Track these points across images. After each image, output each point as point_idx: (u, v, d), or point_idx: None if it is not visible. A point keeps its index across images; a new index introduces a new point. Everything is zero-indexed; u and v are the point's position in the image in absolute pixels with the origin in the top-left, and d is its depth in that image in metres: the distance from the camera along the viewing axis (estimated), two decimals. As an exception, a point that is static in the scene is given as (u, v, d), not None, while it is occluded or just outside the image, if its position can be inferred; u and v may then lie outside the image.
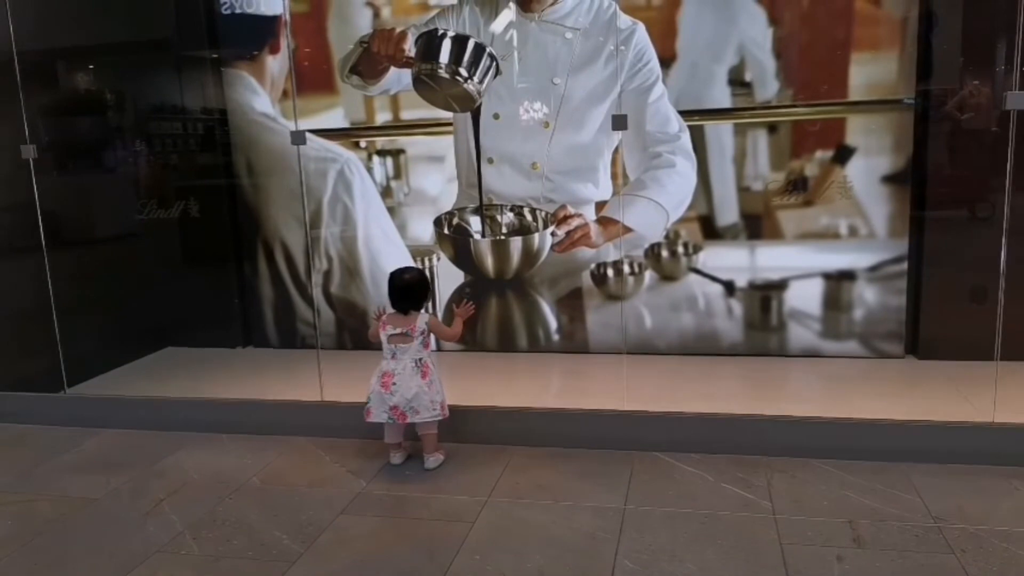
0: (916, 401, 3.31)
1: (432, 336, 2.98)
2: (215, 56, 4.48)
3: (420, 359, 2.93)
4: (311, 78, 4.37)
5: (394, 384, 2.91)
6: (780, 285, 4.02)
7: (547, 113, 4.06)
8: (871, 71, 3.76)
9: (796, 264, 3.97)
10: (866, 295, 3.93)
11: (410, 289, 2.94)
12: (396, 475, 2.93)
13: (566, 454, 3.04)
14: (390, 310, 3.02)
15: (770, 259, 4.01)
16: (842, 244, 3.90)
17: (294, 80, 4.29)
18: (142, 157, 4.69)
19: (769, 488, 2.68)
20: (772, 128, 3.94)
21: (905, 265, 3.84)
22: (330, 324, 4.57)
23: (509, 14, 3.99)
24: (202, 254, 4.75)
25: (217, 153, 4.59)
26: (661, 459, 2.95)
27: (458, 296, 4.34)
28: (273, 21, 4.34)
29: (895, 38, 3.72)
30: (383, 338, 2.95)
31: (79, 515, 2.73)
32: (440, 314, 4.36)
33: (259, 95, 4.45)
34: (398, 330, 2.94)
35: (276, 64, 4.39)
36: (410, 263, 4.36)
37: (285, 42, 4.33)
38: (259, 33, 4.36)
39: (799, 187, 3.90)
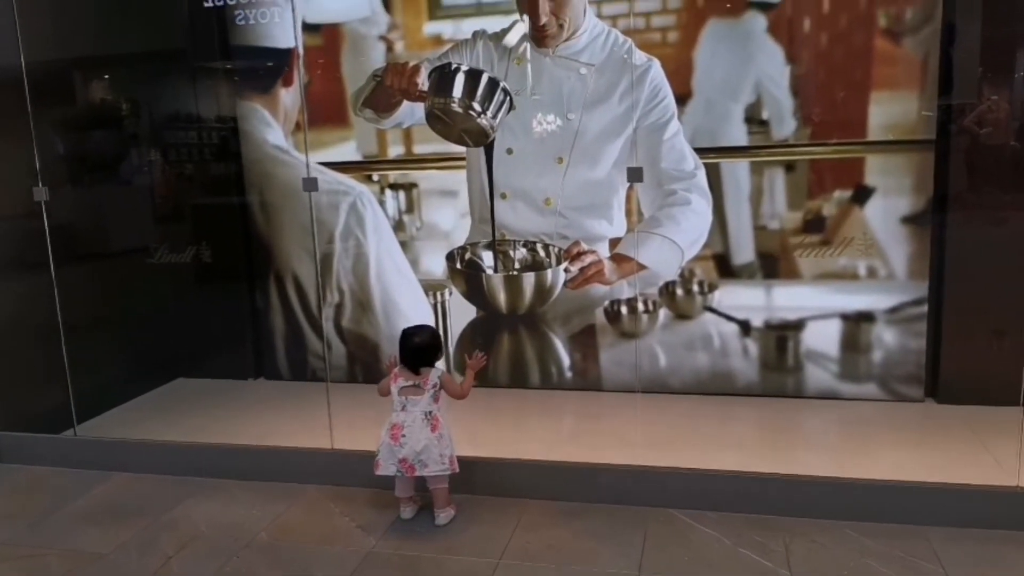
0: (937, 453, 3.24)
1: (443, 390, 2.94)
2: (230, 88, 4.47)
3: (430, 412, 2.90)
4: (324, 111, 4.35)
5: (403, 436, 2.88)
6: (797, 325, 3.95)
7: (561, 148, 4.01)
8: (890, 110, 3.70)
9: (813, 304, 3.91)
10: (885, 337, 3.86)
11: (422, 352, 2.91)
12: (407, 531, 2.90)
13: (579, 510, 3.00)
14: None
15: (787, 299, 3.95)
16: (861, 285, 3.84)
17: (306, 114, 4.26)
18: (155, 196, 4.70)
19: (787, 554, 2.63)
20: (789, 167, 3.88)
21: (925, 308, 3.77)
22: (341, 357, 4.54)
23: (522, 27, 3.94)
24: (215, 285, 4.74)
25: (231, 185, 4.57)
26: (677, 517, 2.90)
27: (470, 343, 4.29)
28: (287, 54, 4.32)
29: (915, 78, 3.65)
30: (393, 391, 2.92)
31: (88, 571, 2.72)
32: (451, 351, 4.33)
33: (272, 128, 4.43)
34: (409, 383, 2.91)
35: (289, 97, 4.37)
36: (422, 298, 4.37)
37: (298, 75, 4.31)
38: (273, 66, 4.34)
39: (816, 227, 3.84)
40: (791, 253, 3.90)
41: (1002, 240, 3.61)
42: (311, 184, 3.67)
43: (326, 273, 4.43)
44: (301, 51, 4.28)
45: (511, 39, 3.96)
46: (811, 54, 3.75)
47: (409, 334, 2.94)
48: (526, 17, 3.89)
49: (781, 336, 3.98)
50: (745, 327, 4.02)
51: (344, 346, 4.53)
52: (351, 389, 4.31)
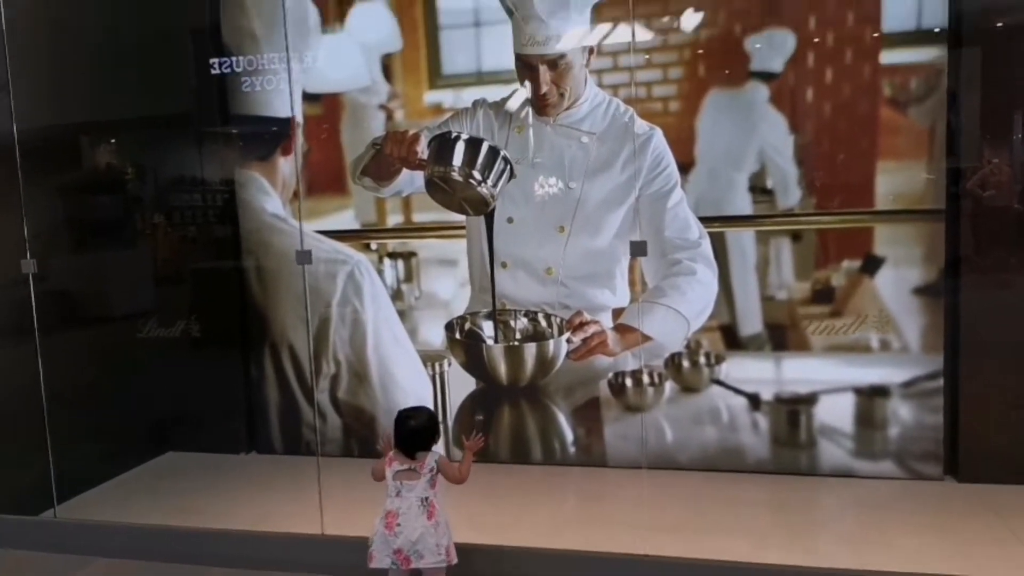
0: (960, 540, 3.08)
1: (440, 475, 2.79)
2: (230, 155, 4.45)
3: (426, 498, 2.74)
4: (323, 179, 4.31)
5: (398, 525, 2.72)
6: (809, 399, 3.82)
7: (563, 217, 3.94)
8: (898, 179, 3.63)
9: (825, 378, 3.78)
10: (901, 412, 3.71)
11: (418, 436, 2.77)
12: (400, 627, 2.72)
13: (583, 602, 2.82)
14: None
15: (797, 371, 3.83)
16: (874, 358, 3.71)
17: (300, 182, 4.22)
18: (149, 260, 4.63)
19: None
20: (796, 236, 3.80)
21: (940, 382, 3.64)
22: (337, 430, 4.40)
23: (524, 92, 3.91)
24: (208, 354, 4.62)
25: (227, 253, 4.50)
26: (686, 612, 2.73)
27: (469, 416, 4.16)
28: (286, 123, 4.29)
29: (922, 146, 3.60)
30: (388, 476, 2.77)
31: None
32: (450, 424, 4.19)
33: (271, 196, 4.38)
34: (405, 467, 2.76)
35: (288, 165, 4.33)
36: (420, 369, 4.25)
37: (298, 143, 4.28)
38: (272, 135, 4.32)
39: (825, 297, 3.74)
40: (800, 324, 3.79)
41: (1016, 306, 3.50)
42: (305, 257, 3.59)
43: (322, 343, 4.33)
44: (300, 120, 4.26)
45: (513, 104, 3.94)
46: (815, 123, 3.71)
47: (405, 417, 2.81)
48: (528, 83, 3.88)
49: (792, 410, 3.84)
50: (754, 401, 3.88)
51: (340, 418, 4.40)
52: (346, 465, 4.14)
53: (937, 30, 3.50)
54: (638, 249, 3.36)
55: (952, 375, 3.63)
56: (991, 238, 3.59)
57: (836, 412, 3.79)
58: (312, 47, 4.19)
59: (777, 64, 3.69)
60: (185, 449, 4.60)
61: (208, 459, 4.46)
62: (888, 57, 3.58)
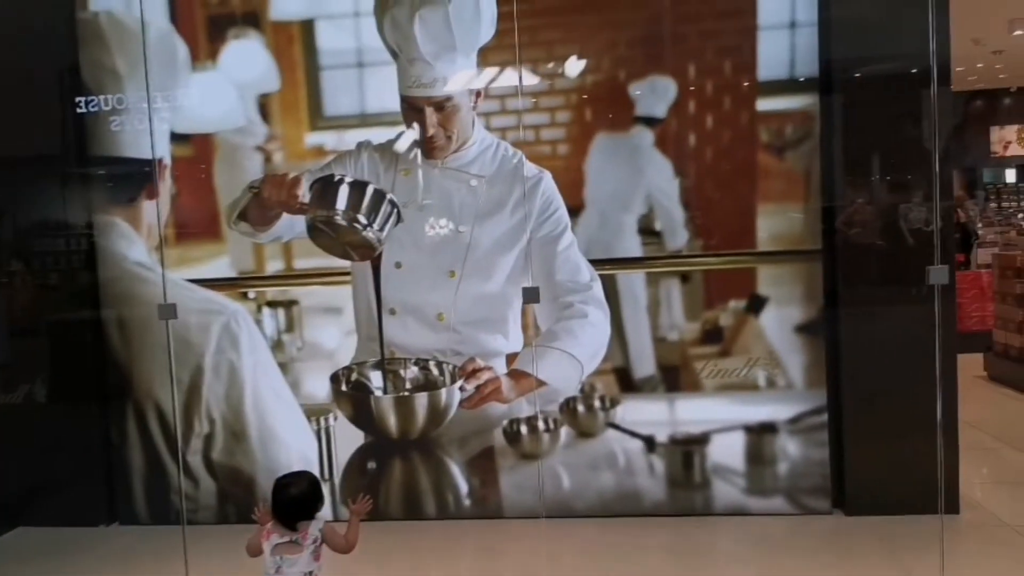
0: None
1: (324, 546, 2.56)
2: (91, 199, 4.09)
3: (310, 572, 2.50)
4: (195, 224, 4.03)
5: (280, 604, 2.46)
6: (702, 439, 3.83)
7: (453, 262, 3.83)
8: (777, 221, 3.75)
9: (717, 417, 3.81)
10: (789, 448, 3.78)
11: (299, 505, 2.54)
12: None
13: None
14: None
15: (690, 412, 3.84)
16: (762, 396, 3.78)
17: (161, 227, 3.94)
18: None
19: None
20: (684, 277, 3.85)
21: (825, 416, 3.74)
22: (211, 495, 4.06)
23: (412, 134, 3.80)
24: (64, 416, 4.17)
25: (83, 304, 4.11)
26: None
27: (357, 473, 3.94)
28: (153, 164, 3.99)
29: (799, 190, 3.74)
30: (266, 550, 2.52)
31: None
32: (337, 483, 3.94)
33: (134, 242, 4.05)
34: (285, 539, 2.51)
35: (154, 210, 4.02)
36: (304, 425, 4.00)
37: (166, 186, 3.99)
38: (136, 177, 4.00)
39: (714, 337, 3.79)
40: (691, 364, 3.82)
41: (891, 338, 3.64)
42: (168, 311, 3.32)
43: (194, 400, 3.99)
44: (168, 162, 3.98)
45: (401, 146, 3.82)
46: (698, 167, 3.79)
47: (283, 484, 2.56)
48: (415, 126, 3.78)
49: (687, 451, 3.84)
50: (650, 443, 3.86)
51: (214, 482, 4.05)
52: (222, 533, 3.82)
53: (803, 80, 3.66)
54: (530, 296, 3.29)
55: (835, 409, 3.73)
56: (861, 274, 3.74)
57: (728, 451, 3.81)
58: (181, 85, 3.94)
59: (660, 110, 3.76)
60: (38, 524, 4.11)
61: (64, 534, 4.00)
62: (764, 104, 3.72)
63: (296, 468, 3.95)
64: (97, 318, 4.09)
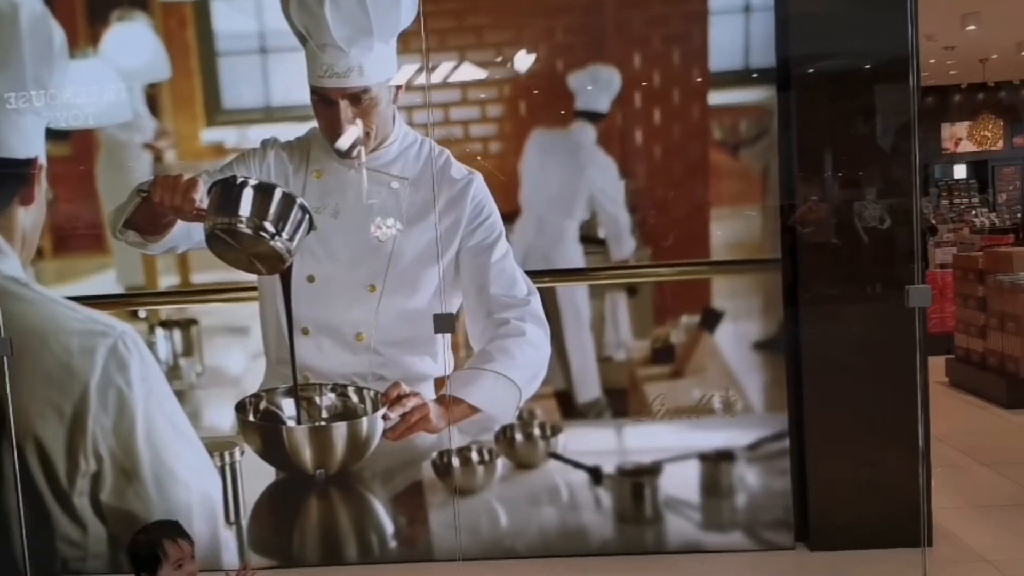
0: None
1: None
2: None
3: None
4: (74, 233, 3.55)
5: None
6: (652, 469, 3.48)
7: (373, 275, 3.42)
8: (733, 227, 3.42)
9: (669, 444, 3.47)
10: (748, 478, 3.46)
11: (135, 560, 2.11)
12: None
13: None
14: None
15: (640, 439, 3.50)
16: (717, 421, 3.45)
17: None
18: None
19: None
20: (632, 290, 3.50)
21: (787, 442, 3.41)
22: (100, 542, 3.59)
23: (356, 131, 3.37)
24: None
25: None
26: None
27: (268, 513, 3.52)
28: (27, 165, 3.50)
29: (755, 192, 3.41)
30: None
31: None
32: (244, 525, 3.51)
33: (7, 256, 3.54)
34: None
35: (29, 217, 3.53)
36: (205, 460, 3.56)
37: (41, 191, 3.51)
38: (7, 179, 3.51)
39: (666, 357, 3.45)
40: (641, 387, 3.46)
41: (855, 354, 3.34)
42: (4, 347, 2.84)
43: (78, 435, 3.51)
44: (44, 162, 3.48)
45: (344, 143, 3.37)
46: (646, 167, 3.44)
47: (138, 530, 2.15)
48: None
49: (636, 483, 3.49)
50: (596, 475, 3.50)
51: (104, 527, 3.58)
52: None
53: (756, 75, 3.34)
54: (443, 325, 2.88)
55: (798, 434, 3.41)
56: (824, 283, 3.44)
57: (681, 482, 3.48)
58: (57, 74, 3.44)
59: (603, 103, 3.40)
60: None
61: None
62: (717, 98, 3.37)
63: (196, 510, 3.60)
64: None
